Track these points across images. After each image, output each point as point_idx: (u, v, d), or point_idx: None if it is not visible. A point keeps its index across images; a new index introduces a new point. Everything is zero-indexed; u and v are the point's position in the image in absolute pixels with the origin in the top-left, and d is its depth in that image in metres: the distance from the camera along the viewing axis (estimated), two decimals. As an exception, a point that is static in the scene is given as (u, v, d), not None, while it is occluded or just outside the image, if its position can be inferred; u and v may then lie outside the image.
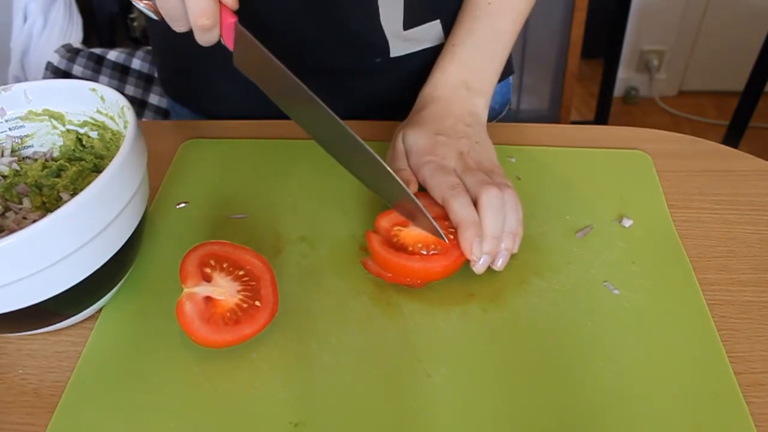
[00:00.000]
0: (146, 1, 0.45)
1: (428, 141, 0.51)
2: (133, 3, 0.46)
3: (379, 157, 0.44)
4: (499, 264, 0.46)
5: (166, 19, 0.44)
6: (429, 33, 0.62)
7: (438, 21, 0.62)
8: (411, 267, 0.45)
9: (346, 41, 0.61)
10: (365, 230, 0.50)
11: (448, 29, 0.61)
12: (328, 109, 0.43)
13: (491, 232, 0.45)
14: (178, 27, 0.44)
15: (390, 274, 0.46)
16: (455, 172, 0.49)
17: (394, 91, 0.65)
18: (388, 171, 0.45)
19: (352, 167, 0.49)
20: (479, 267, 0.46)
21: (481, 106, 0.55)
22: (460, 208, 0.45)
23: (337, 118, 0.44)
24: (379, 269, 0.46)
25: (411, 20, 0.60)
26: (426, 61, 0.62)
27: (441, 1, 0.61)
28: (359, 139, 0.44)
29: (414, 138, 0.52)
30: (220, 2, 0.43)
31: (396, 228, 0.47)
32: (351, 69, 0.64)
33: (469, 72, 0.56)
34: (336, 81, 0.64)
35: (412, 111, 0.56)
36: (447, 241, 0.45)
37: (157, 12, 0.45)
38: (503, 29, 0.57)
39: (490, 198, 0.46)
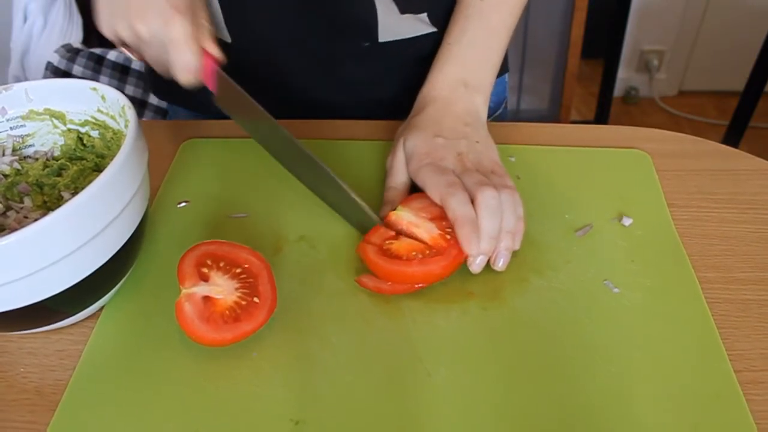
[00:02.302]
0: (133, 53, 0.50)
1: (427, 144, 0.51)
2: (118, 50, 0.52)
3: (353, 194, 0.49)
4: (501, 264, 0.46)
5: (152, 65, 0.50)
6: (418, 22, 0.62)
7: (425, 14, 0.61)
8: (410, 272, 0.45)
9: (335, 20, 0.60)
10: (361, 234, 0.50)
11: (435, 22, 0.61)
12: (306, 149, 0.49)
13: (488, 232, 0.45)
14: (163, 74, 0.49)
15: (388, 286, 0.45)
16: (453, 173, 0.49)
17: (385, 83, 0.65)
18: (361, 205, 0.49)
19: (327, 199, 0.53)
20: (476, 267, 0.46)
21: (480, 104, 0.55)
22: (456, 206, 0.45)
23: (314, 157, 0.49)
24: (376, 284, 0.46)
25: (402, 8, 0.60)
26: (413, 52, 0.62)
27: None
28: (335, 176, 0.49)
29: (413, 143, 0.52)
30: (205, 51, 0.47)
31: (387, 242, 0.47)
32: (340, 55, 0.63)
33: (466, 70, 0.56)
34: (325, 68, 0.63)
35: (412, 113, 0.56)
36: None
37: (141, 59, 0.50)
38: (497, 26, 0.57)
39: (486, 198, 0.46)
